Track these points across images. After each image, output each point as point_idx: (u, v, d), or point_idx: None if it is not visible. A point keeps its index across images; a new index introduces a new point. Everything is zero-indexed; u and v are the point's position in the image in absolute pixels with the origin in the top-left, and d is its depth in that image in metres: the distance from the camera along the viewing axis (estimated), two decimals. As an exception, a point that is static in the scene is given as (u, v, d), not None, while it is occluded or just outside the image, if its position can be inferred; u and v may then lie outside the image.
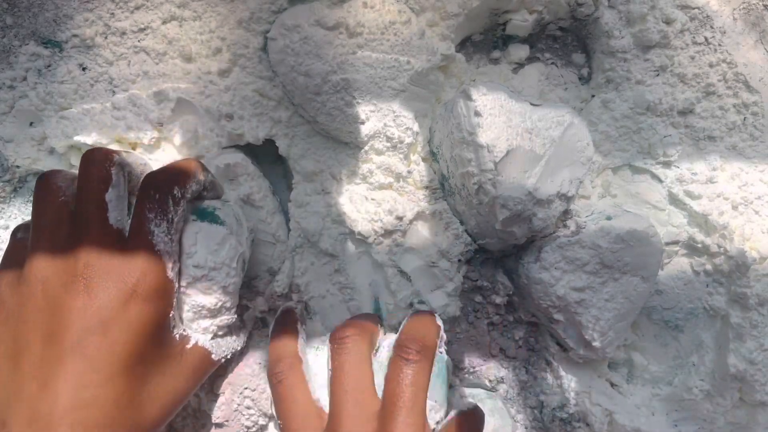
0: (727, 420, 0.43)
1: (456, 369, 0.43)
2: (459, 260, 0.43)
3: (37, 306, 0.32)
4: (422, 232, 0.43)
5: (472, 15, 0.44)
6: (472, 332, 0.44)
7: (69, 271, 0.32)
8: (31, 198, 0.44)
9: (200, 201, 0.38)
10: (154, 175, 0.36)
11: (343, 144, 0.43)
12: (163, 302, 0.34)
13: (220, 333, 0.38)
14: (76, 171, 0.36)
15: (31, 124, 0.43)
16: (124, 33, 0.43)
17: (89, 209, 0.33)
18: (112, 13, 0.43)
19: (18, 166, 0.43)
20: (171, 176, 0.35)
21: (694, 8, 0.45)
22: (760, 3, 0.47)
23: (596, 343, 0.41)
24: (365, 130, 0.42)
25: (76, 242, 0.33)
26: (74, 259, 0.32)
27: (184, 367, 0.35)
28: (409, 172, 0.43)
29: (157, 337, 0.34)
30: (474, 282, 0.44)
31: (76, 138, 0.41)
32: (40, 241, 0.33)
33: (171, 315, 0.35)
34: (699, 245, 0.44)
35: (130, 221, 0.35)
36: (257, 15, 0.42)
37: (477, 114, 0.38)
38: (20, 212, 0.44)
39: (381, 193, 0.43)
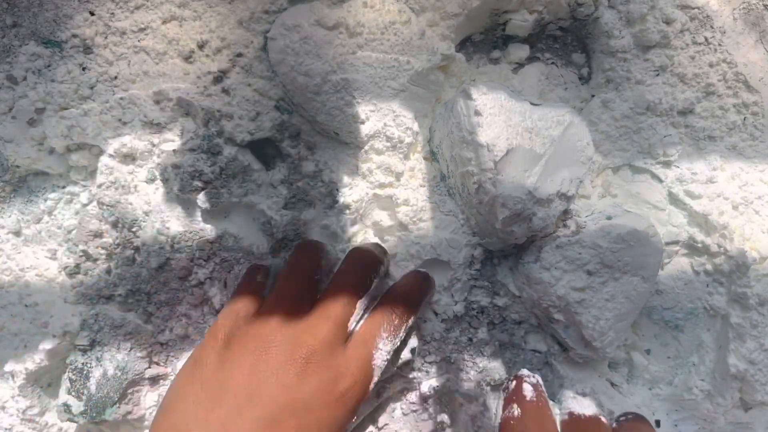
0: (727, 420, 0.43)
1: (456, 368, 0.43)
2: (463, 260, 0.43)
3: (255, 362, 0.34)
4: (423, 232, 0.43)
5: (472, 15, 0.44)
6: (472, 331, 0.44)
7: (293, 351, 0.35)
8: (31, 198, 0.44)
9: None
10: (400, 299, 0.39)
11: (343, 144, 0.43)
12: (353, 413, 0.36)
13: None
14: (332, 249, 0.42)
15: (31, 124, 0.43)
16: (124, 33, 0.43)
17: (337, 309, 0.36)
18: (112, 13, 0.43)
19: (18, 166, 0.43)
20: (414, 304, 0.39)
21: (694, 8, 0.45)
22: (760, 3, 0.47)
23: (596, 343, 0.41)
24: (365, 129, 0.42)
25: (311, 330, 0.35)
26: (300, 345, 0.35)
27: None
28: (410, 170, 0.43)
29: None
30: (475, 281, 0.44)
31: (76, 138, 0.41)
32: (280, 309, 0.36)
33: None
34: (699, 245, 0.44)
35: (361, 324, 0.38)
36: (257, 15, 0.42)
37: (477, 113, 0.38)
38: (20, 212, 0.44)
39: (382, 191, 0.43)
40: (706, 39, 0.45)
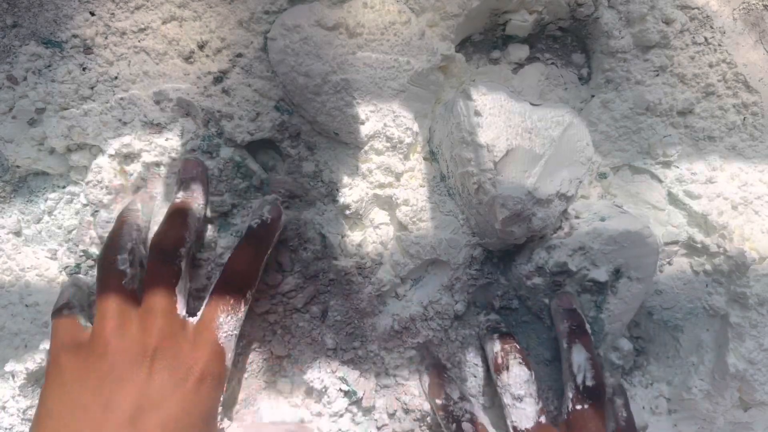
0: (726, 419, 0.43)
1: (456, 367, 0.43)
2: (463, 260, 0.43)
3: (102, 375, 0.34)
4: (423, 232, 0.43)
5: (472, 15, 0.44)
6: (472, 331, 0.44)
7: (138, 351, 0.35)
8: (31, 198, 0.44)
9: None
10: (230, 279, 0.39)
11: (343, 144, 0.43)
12: (217, 392, 0.37)
13: None
14: (131, 241, 0.39)
15: (31, 124, 0.43)
16: (124, 33, 0.43)
17: (161, 301, 0.36)
18: (113, 14, 0.43)
19: (18, 166, 0.43)
20: (245, 281, 0.39)
21: (693, 8, 0.45)
22: (760, 3, 0.47)
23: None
24: (365, 130, 0.42)
25: (148, 327, 0.36)
26: (143, 343, 0.35)
27: None
28: (409, 171, 0.43)
29: (205, 424, 0.36)
30: (475, 281, 0.44)
31: (76, 138, 0.41)
32: (108, 320, 0.36)
33: (220, 405, 0.37)
34: (699, 245, 0.44)
35: (202, 310, 0.38)
36: (257, 15, 0.42)
37: (477, 114, 0.38)
38: (20, 212, 0.44)
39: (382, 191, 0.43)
40: (705, 39, 0.45)
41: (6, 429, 0.41)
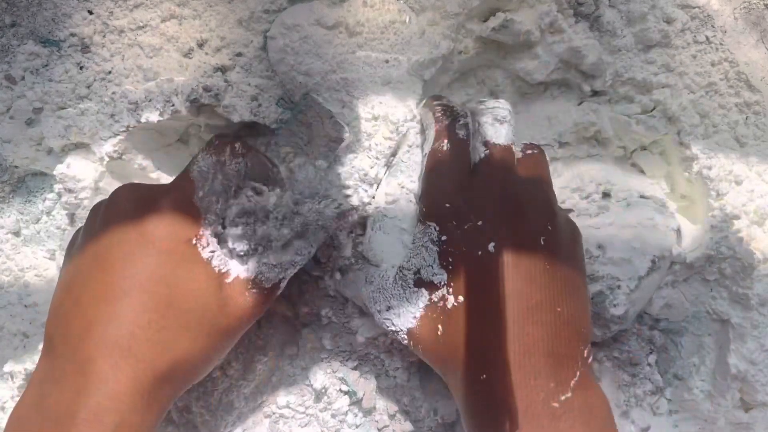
0: (727, 420, 0.43)
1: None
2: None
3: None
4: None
5: (473, 14, 0.44)
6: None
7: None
8: (30, 198, 0.44)
9: None
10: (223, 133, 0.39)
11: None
12: (186, 224, 0.34)
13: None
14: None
15: (29, 124, 0.43)
16: (122, 31, 0.42)
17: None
18: (111, 12, 0.42)
19: (16, 166, 0.43)
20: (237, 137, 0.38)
21: (694, 7, 0.45)
22: (761, 2, 0.47)
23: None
24: (365, 128, 0.42)
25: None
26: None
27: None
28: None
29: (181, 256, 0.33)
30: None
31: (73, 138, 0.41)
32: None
33: (196, 242, 0.34)
34: (702, 246, 0.44)
35: None
36: (257, 14, 0.42)
37: None
38: (19, 212, 0.44)
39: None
40: (707, 38, 0.45)
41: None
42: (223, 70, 0.42)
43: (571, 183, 0.44)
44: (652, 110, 0.44)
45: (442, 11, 0.43)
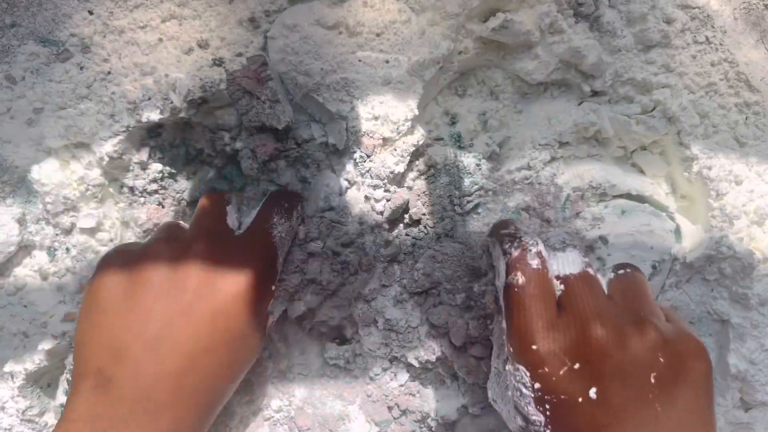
0: (727, 420, 0.43)
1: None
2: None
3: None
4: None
5: (473, 15, 0.44)
6: (473, 326, 0.44)
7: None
8: (30, 198, 0.44)
9: None
10: (284, 192, 0.42)
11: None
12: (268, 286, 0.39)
13: None
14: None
15: (29, 124, 0.43)
16: (122, 31, 0.42)
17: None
18: (111, 12, 0.42)
19: (17, 167, 0.43)
20: (297, 198, 0.42)
21: (694, 8, 0.45)
22: (761, 3, 0.47)
23: None
24: (364, 128, 0.42)
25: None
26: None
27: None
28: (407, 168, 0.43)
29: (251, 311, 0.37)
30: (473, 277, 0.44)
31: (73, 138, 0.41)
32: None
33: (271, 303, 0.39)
34: (702, 246, 0.44)
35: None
36: (257, 14, 0.42)
37: None
38: (19, 212, 0.44)
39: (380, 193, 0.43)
40: (707, 38, 0.45)
41: (5, 429, 0.41)
42: (220, 62, 0.42)
43: (571, 183, 0.44)
44: (652, 110, 0.44)
45: (442, 11, 0.43)
